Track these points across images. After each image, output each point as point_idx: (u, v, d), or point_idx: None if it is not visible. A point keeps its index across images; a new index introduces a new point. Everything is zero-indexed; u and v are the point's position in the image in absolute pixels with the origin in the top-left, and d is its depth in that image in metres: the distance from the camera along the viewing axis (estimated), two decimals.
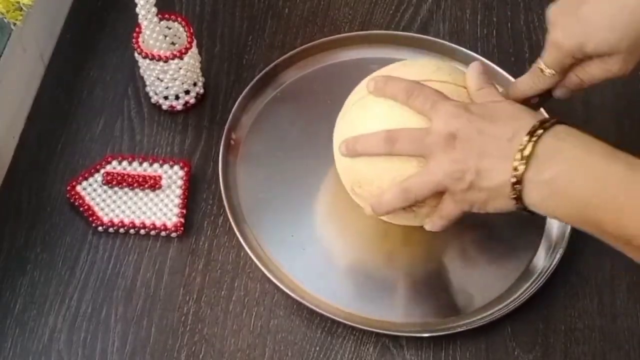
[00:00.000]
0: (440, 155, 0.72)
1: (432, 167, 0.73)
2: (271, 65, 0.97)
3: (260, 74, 0.96)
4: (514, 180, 0.69)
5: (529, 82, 0.79)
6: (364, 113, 0.79)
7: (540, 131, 0.68)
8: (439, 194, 0.74)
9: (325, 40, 1.00)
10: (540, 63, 0.77)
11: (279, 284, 0.82)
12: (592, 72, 0.76)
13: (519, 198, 0.70)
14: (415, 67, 0.81)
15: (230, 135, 0.92)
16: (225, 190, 0.87)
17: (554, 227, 0.88)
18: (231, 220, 0.86)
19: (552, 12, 0.76)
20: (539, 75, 0.78)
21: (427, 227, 0.78)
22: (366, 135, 0.77)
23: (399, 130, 0.75)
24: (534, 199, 0.69)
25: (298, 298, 0.81)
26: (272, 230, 0.87)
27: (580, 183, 0.67)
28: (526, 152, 0.68)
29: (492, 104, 0.74)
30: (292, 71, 0.98)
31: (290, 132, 0.93)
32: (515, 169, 0.68)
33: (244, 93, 0.94)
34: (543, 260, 0.86)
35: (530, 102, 0.80)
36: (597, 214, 0.66)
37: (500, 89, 0.80)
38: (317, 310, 0.81)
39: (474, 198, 0.73)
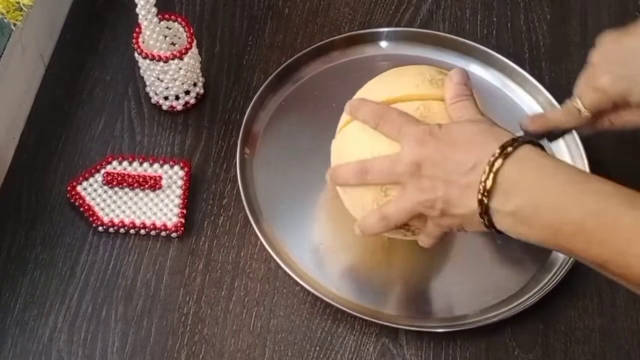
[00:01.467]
0: (410, 184, 0.72)
1: (405, 195, 0.73)
2: (273, 75, 0.96)
3: (262, 87, 0.96)
4: (479, 210, 0.68)
5: (561, 119, 0.79)
6: (345, 140, 0.79)
7: (499, 160, 0.66)
8: (421, 215, 0.74)
9: (323, 42, 1.00)
10: (579, 103, 0.77)
11: (304, 284, 0.82)
12: (627, 118, 0.77)
13: (490, 225, 0.69)
14: (396, 83, 0.79)
15: (244, 150, 0.92)
16: (247, 201, 0.88)
17: None
18: (252, 222, 0.86)
19: (598, 55, 0.76)
20: (574, 114, 0.78)
21: (420, 244, 0.78)
22: (342, 166, 0.77)
23: (371, 161, 0.74)
24: (504, 226, 0.68)
25: (320, 295, 0.82)
26: (288, 231, 0.88)
27: (544, 213, 0.65)
28: (487, 185, 0.66)
29: (459, 127, 0.71)
30: (293, 78, 0.98)
31: (300, 139, 0.93)
32: (480, 201, 0.68)
33: (251, 104, 0.94)
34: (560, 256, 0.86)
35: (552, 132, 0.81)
36: (567, 241, 0.65)
37: (478, 101, 0.76)
38: (330, 301, 0.81)
39: (450, 222, 0.72)
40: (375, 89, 0.80)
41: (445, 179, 0.69)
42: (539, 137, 0.79)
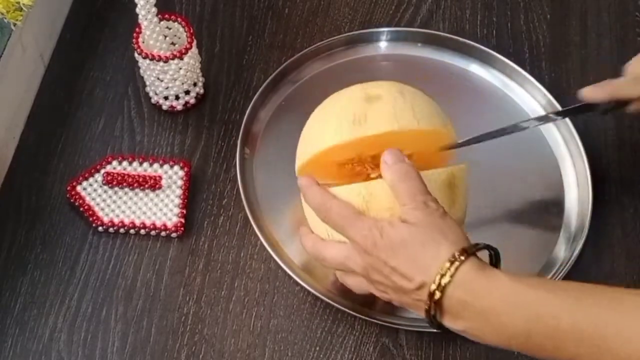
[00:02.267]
0: (364, 278, 0.73)
1: (357, 279, 0.74)
2: (273, 75, 0.97)
3: (262, 87, 0.96)
4: (430, 325, 0.69)
5: (629, 89, 0.80)
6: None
7: (438, 294, 0.66)
8: None
9: (323, 43, 1.00)
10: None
11: (304, 284, 0.82)
12: None
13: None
14: (321, 132, 0.79)
15: (244, 150, 0.92)
16: (246, 201, 0.88)
17: (572, 223, 0.88)
18: (252, 222, 0.86)
19: None
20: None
21: (339, 279, 0.79)
22: (314, 192, 0.75)
23: (326, 248, 0.75)
24: (459, 332, 0.69)
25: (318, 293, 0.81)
26: (288, 231, 0.88)
27: (491, 333, 0.66)
28: (432, 312, 0.67)
29: (400, 236, 0.68)
30: (293, 78, 0.98)
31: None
32: (428, 321, 0.68)
33: (251, 104, 0.94)
34: (561, 255, 0.86)
35: (601, 106, 0.83)
36: (521, 349, 0.66)
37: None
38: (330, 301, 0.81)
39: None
40: (307, 137, 0.81)
41: (395, 288, 0.70)
42: (598, 109, 0.82)
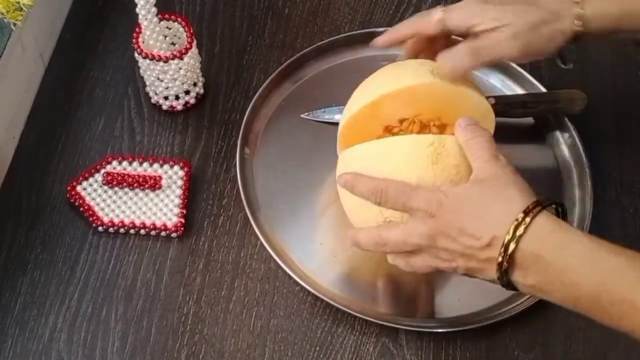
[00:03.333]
0: (427, 252, 0.71)
1: (422, 256, 0.71)
2: (273, 75, 0.96)
3: (262, 87, 0.95)
4: (500, 280, 0.68)
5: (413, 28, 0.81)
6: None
7: (512, 245, 0.65)
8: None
9: (323, 42, 1.00)
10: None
11: (303, 283, 0.82)
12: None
13: (511, 288, 0.69)
14: (395, 75, 0.79)
15: (244, 151, 0.92)
16: (246, 201, 0.88)
17: (572, 223, 0.88)
18: (253, 223, 0.86)
19: None
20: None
21: (390, 260, 0.76)
22: (362, 232, 0.74)
23: (386, 233, 0.72)
24: (524, 290, 0.68)
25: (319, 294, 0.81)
26: (288, 231, 0.88)
27: (561, 288, 0.65)
28: (504, 265, 0.66)
29: (466, 194, 0.69)
30: (293, 78, 0.98)
31: (300, 139, 0.94)
32: (499, 275, 0.67)
33: (251, 104, 0.94)
34: None
35: None
36: (587, 311, 0.65)
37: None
38: (330, 301, 0.81)
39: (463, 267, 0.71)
40: (375, 81, 0.80)
41: (462, 252, 0.68)
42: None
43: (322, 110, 0.95)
